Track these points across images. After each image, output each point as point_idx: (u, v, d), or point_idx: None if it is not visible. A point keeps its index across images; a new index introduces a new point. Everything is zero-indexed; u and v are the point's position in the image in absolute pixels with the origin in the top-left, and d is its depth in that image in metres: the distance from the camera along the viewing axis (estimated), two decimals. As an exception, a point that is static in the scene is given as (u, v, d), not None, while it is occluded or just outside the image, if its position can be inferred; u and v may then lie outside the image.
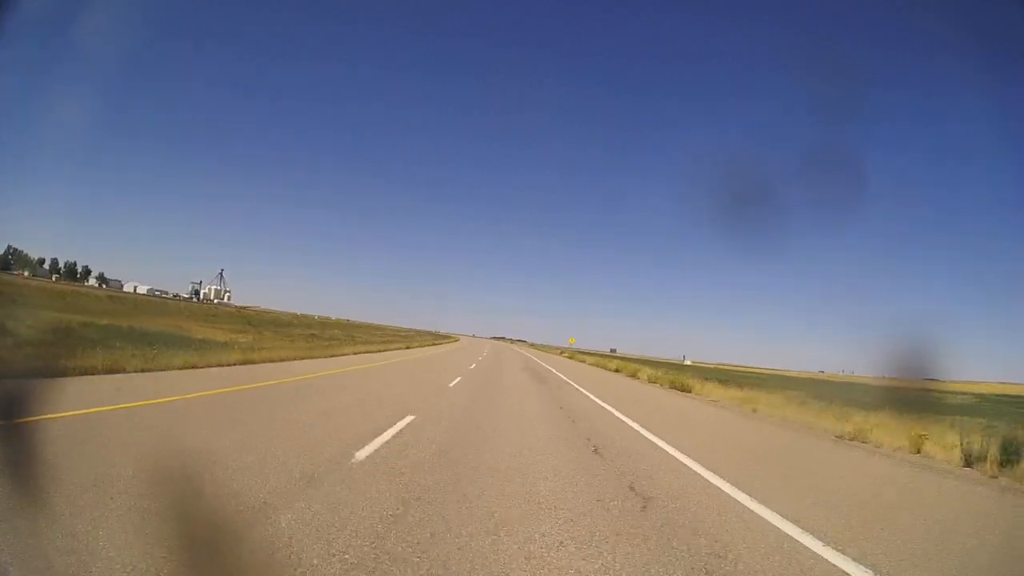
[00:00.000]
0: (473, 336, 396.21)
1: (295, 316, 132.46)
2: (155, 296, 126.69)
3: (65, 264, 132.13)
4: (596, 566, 3.29)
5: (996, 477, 7.55)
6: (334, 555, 3.07)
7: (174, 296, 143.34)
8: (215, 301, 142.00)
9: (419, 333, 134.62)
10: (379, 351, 29.51)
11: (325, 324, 66.05)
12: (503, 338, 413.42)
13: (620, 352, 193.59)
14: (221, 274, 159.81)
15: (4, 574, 2.52)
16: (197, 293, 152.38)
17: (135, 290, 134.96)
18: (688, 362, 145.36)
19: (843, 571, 3.61)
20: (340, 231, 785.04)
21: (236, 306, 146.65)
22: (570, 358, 54.30)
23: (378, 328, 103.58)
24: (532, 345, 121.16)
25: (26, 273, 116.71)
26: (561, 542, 3.62)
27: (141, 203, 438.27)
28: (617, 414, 11.93)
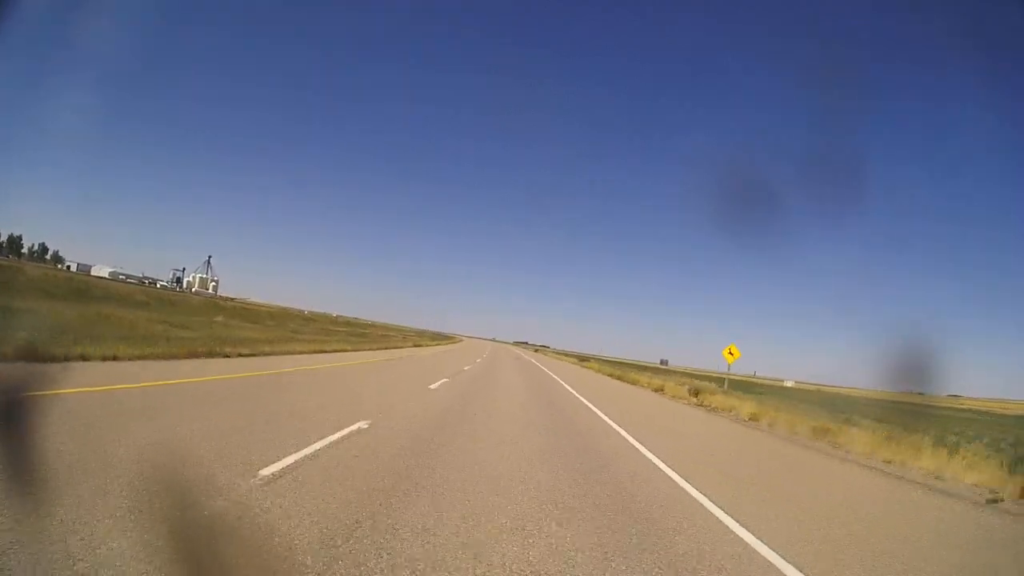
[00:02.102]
0: (494, 340, 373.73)
1: (278, 309, 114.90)
2: (119, 280, 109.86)
3: (9, 238, 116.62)
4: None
5: None
6: None
7: (150, 283, 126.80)
8: (193, 291, 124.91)
9: (419, 333, 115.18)
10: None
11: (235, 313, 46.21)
12: (525, 343, 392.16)
13: (672, 365, 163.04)
14: (208, 261, 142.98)
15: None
16: (179, 281, 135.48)
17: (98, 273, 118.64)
18: (789, 384, 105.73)
19: None
20: (347, 227, 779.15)
21: (221, 296, 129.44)
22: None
23: (349, 325, 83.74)
24: (580, 360, 76.67)
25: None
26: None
27: (147, 197, 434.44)
28: None
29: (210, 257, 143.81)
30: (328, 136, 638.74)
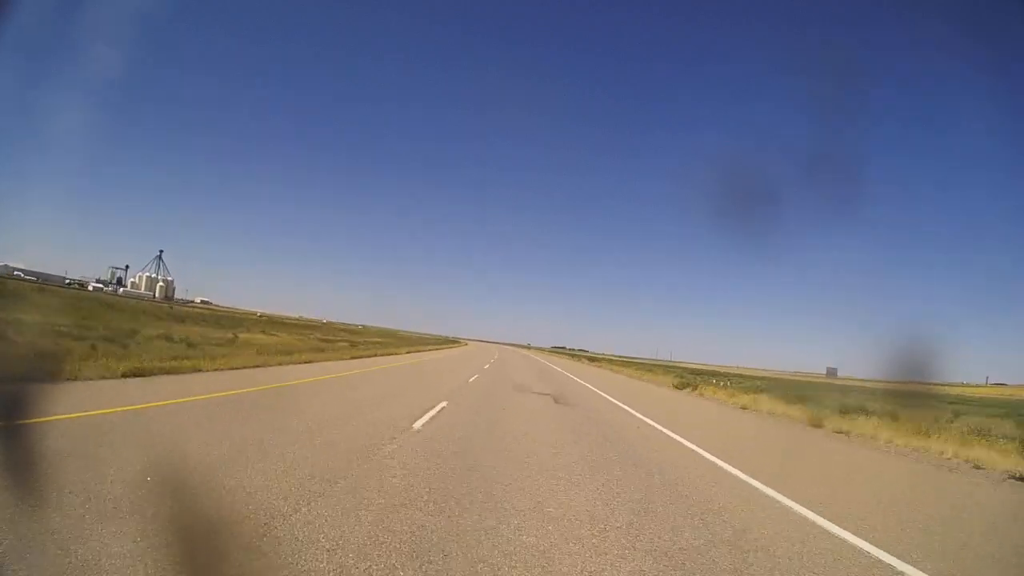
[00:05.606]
0: (528, 346, 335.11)
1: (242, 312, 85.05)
2: (13, 279, 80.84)
3: None
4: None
5: None
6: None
7: (77, 284, 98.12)
8: (120, 292, 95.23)
9: (422, 338, 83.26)
10: None
11: None
12: (563, 348, 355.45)
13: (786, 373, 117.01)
14: (159, 257, 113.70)
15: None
16: (119, 281, 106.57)
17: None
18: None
19: None
20: (341, 229, 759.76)
21: (168, 300, 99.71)
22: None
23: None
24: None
25: None
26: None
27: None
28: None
29: (162, 252, 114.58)
30: (309, 129, 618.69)
